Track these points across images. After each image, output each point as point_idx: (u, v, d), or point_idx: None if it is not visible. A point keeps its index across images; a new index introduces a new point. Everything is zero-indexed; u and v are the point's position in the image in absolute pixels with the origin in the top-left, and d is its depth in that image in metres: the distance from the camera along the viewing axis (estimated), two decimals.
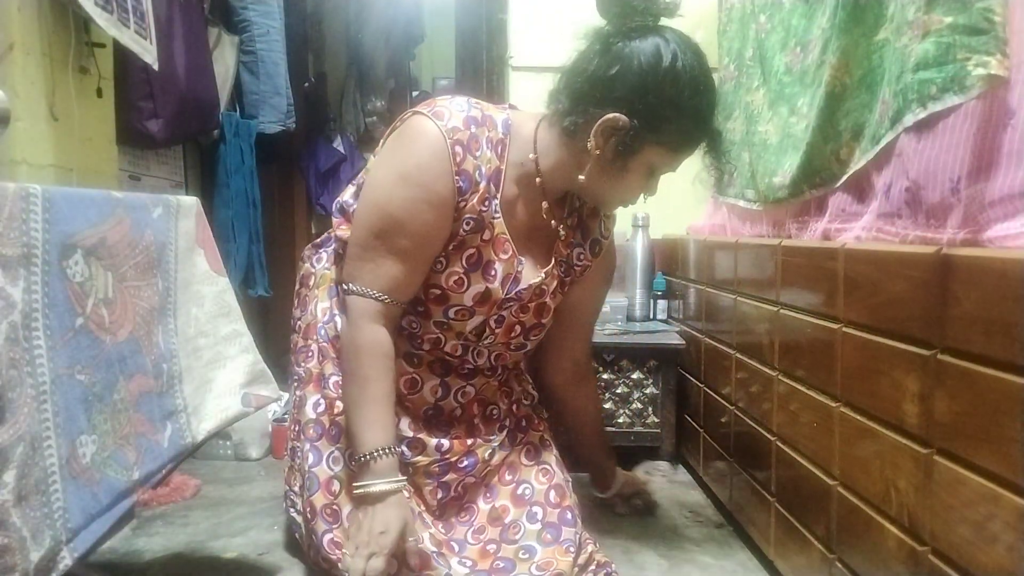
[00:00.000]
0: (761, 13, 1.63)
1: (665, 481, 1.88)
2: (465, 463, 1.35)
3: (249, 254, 2.46)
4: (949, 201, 0.92)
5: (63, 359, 0.87)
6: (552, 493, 1.37)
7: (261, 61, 2.49)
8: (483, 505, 1.38)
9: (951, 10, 0.90)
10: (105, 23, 1.39)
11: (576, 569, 1.27)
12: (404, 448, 1.30)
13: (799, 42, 1.42)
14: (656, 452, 1.92)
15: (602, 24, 1.20)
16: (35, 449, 0.81)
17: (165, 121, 1.89)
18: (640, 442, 1.92)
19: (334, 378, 1.33)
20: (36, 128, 1.34)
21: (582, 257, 1.42)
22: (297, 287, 1.51)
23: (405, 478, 1.25)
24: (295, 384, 1.42)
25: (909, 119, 0.99)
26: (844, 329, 1.07)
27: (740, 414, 1.52)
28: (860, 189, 1.21)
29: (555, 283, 1.38)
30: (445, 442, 1.33)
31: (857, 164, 1.19)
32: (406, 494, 1.24)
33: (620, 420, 1.91)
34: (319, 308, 1.41)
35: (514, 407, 1.48)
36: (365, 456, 1.20)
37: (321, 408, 1.34)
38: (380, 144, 1.31)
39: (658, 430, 1.91)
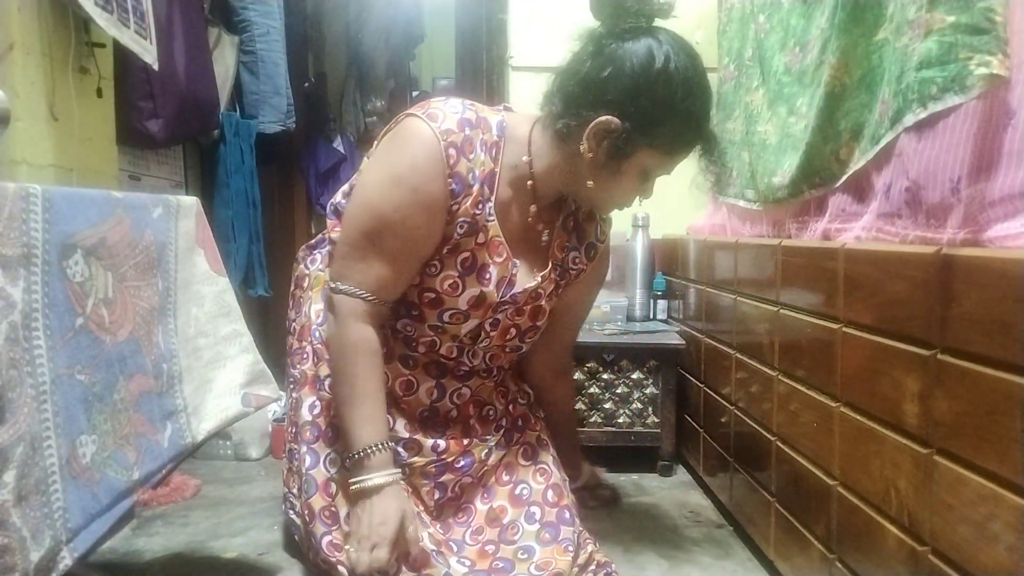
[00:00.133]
0: (760, 13, 1.63)
1: (659, 486, 1.88)
2: (462, 463, 1.35)
3: (249, 254, 2.46)
4: (949, 201, 0.92)
5: (63, 359, 0.87)
6: (550, 492, 1.37)
7: (261, 61, 2.48)
8: (481, 506, 1.37)
9: (953, 9, 0.90)
10: (105, 23, 1.39)
11: (576, 569, 1.27)
12: (400, 449, 1.30)
13: (798, 42, 1.42)
14: (656, 452, 1.92)
15: (596, 25, 1.19)
16: (35, 449, 0.81)
17: (165, 121, 1.89)
18: (640, 442, 1.91)
19: (329, 380, 1.33)
20: (36, 128, 1.34)
21: (577, 261, 1.41)
22: (292, 288, 1.51)
23: (400, 470, 1.25)
24: (291, 386, 1.42)
25: (909, 119, 0.99)
26: (844, 329, 1.07)
27: (740, 414, 1.52)
28: (860, 189, 1.21)
29: (551, 287, 1.38)
30: (441, 443, 1.33)
31: (857, 164, 1.19)
32: (402, 485, 1.24)
33: (620, 420, 1.91)
34: (313, 310, 1.41)
35: (510, 407, 1.48)
36: (359, 453, 1.21)
37: (317, 410, 1.34)
38: (375, 145, 1.31)
39: (658, 430, 1.91)
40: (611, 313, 2.12)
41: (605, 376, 1.91)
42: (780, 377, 1.30)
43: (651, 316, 2.18)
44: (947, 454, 0.83)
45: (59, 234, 0.87)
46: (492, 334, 1.34)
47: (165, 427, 1.09)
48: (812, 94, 1.32)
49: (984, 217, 0.86)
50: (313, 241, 1.51)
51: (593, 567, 1.31)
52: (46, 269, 0.85)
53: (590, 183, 1.21)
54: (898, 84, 1.03)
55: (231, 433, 1.98)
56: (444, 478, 1.34)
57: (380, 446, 1.21)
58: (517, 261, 1.30)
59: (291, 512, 1.40)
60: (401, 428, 1.31)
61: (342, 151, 3.26)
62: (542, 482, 1.39)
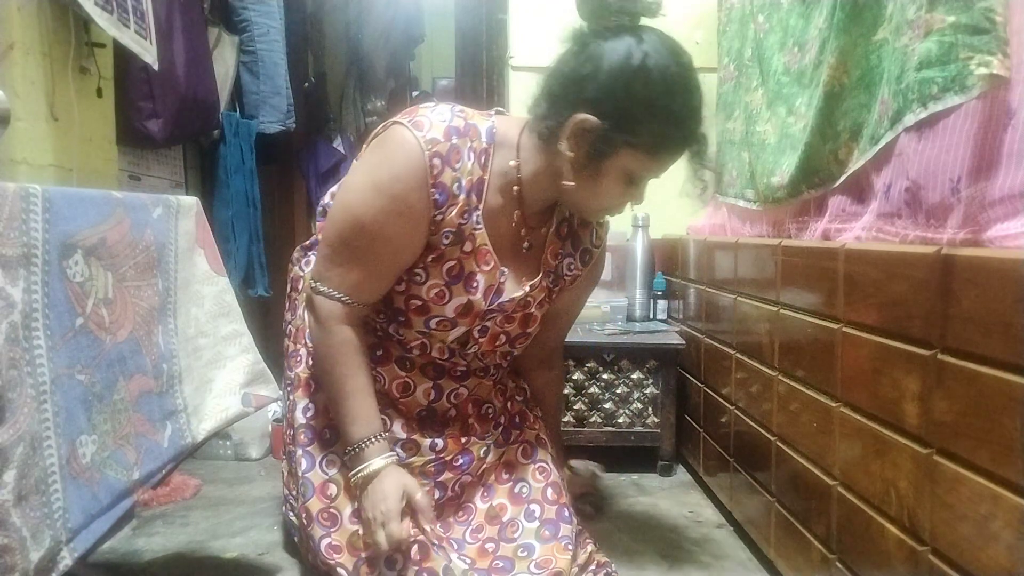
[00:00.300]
0: (760, 13, 1.63)
1: (659, 489, 1.88)
2: (461, 461, 1.35)
3: (249, 254, 2.47)
4: (949, 201, 0.92)
5: (63, 359, 0.87)
6: (549, 490, 1.37)
7: (261, 61, 2.49)
8: (481, 504, 1.38)
9: (953, 9, 0.90)
10: (105, 23, 1.39)
11: (576, 568, 1.27)
12: (399, 450, 1.30)
13: (797, 42, 1.42)
14: (656, 452, 1.92)
15: (582, 25, 1.17)
16: (35, 449, 0.81)
17: (165, 121, 1.89)
18: (640, 442, 1.91)
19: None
20: (36, 128, 1.34)
21: (572, 267, 1.39)
22: (288, 290, 1.51)
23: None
24: (288, 388, 1.42)
25: (910, 119, 0.99)
26: (844, 329, 1.07)
27: (740, 414, 1.52)
28: (860, 189, 1.21)
29: (542, 295, 1.36)
30: (439, 441, 1.33)
31: (856, 164, 1.19)
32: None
33: (620, 420, 1.91)
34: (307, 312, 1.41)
35: (508, 404, 1.48)
36: (354, 448, 1.22)
37: (311, 412, 1.34)
38: (363, 148, 1.30)
39: (658, 430, 1.91)
40: (611, 313, 2.12)
41: (605, 376, 1.91)
42: (780, 377, 1.30)
43: (651, 316, 2.18)
44: (947, 454, 0.83)
45: (59, 234, 0.87)
46: (481, 340, 1.34)
47: (165, 427, 1.09)
48: (811, 94, 1.32)
49: (984, 217, 0.86)
50: (307, 243, 1.51)
51: (593, 567, 1.31)
52: (46, 269, 0.85)
53: (569, 184, 1.18)
54: (898, 84, 1.03)
55: (231, 433, 1.98)
56: (443, 477, 1.34)
57: (373, 438, 1.22)
58: (505, 269, 1.29)
59: (291, 514, 1.40)
60: (399, 429, 1.31)
61: (342, 151, 3.26)
62: (541, 480, 1.39)
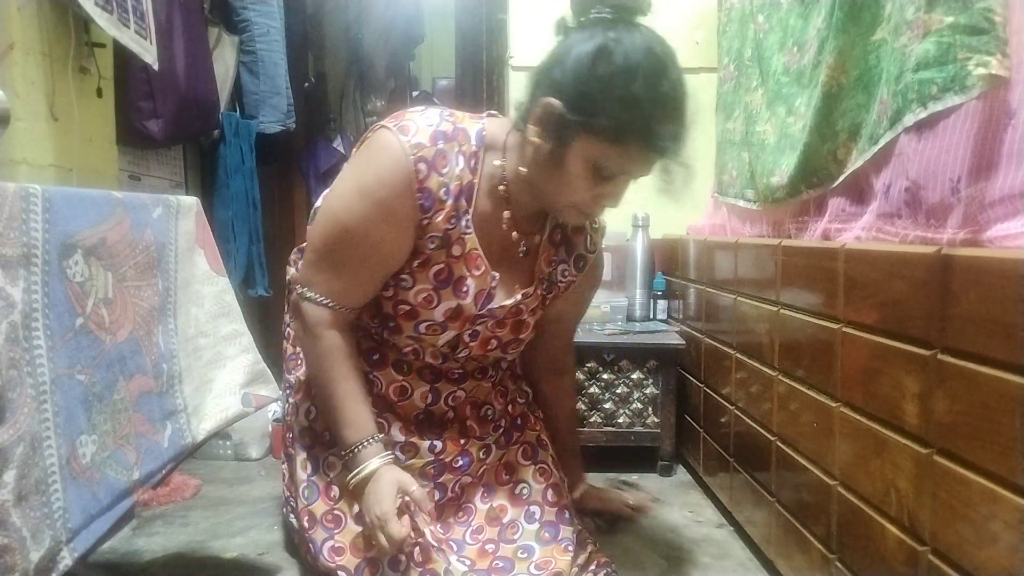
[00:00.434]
0: (759, 13, 1.63)
1: (659, 491, 1.88)
2: (460, 462, 1.35)
3: (249, 254, 2.47)
4: (949, 201, 0.92)
5: (63, 359, 0.87)
6: (550, 492, 1.37)
7: (261, 61, 2.49)
8: (481, 505, 1.37)
9: (952, 10, 0.90)
10: (105, 23, 1.39)
11: (576, 569, 1.27)
12: (398, 453, 1.30)
13: (796, 42, 1.42)
14: (656, 452, 1.92)
15: (565, 16, 1.15)
16: (35, 449, 0.81)
17: (165, 121, 1.89)
18: (640, 442, 1.91)
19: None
20: (36, 128, 1.34)
21: (566, 273, 1.38)
22: (287, 292, 1.51)
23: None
24: (287, 391, 1.42)
25: (909, 119, 0.99)
26: (844, 329, 1.07)
27: (740, 414, 1.52)
28: (860, 189, 1.21)
29: (536, 302, 1.35)
30: (438, 443, 1.33)
31: (855, 164, 1.19)
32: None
33: (620, 420, 1.91)
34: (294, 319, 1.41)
35: (509, 406, 1.47)
36: (349, 452, 1.22)
37: (312, 415, 1.34)
38: (353, 151, 1.30)
39: (658, 430, 1.91)
40: (611, 313, 2.12)
41: (605, 376, 1.91)
42: (780, 377, 1.30)
43: (651, 316, 2.18)
44: (947, 454, 0.83)
45: (59, 234, 0.87)
46: (472, 344, 1.33)
47: (165, 427, 1.09)
48: (810, 94, 1.32)
49: (984, 217, 0.86)
50: (304, 244, 1.51)
51: (593, 567, 1.31)
52: (46, 269, 0.85)
53: (537, 175, 1.15)
54: (896, 84, 1.03)
55: (231, 433, 1.98)
56: (443, 478, 1.34)
57: (367, 441, 1.22)
58: (496, 274, 1.27)
59: (291, 515, 1.40)
60: (397, 432, 1.31)
61: (342, 151, 3.26)
62: (542, 481, 1.39)
